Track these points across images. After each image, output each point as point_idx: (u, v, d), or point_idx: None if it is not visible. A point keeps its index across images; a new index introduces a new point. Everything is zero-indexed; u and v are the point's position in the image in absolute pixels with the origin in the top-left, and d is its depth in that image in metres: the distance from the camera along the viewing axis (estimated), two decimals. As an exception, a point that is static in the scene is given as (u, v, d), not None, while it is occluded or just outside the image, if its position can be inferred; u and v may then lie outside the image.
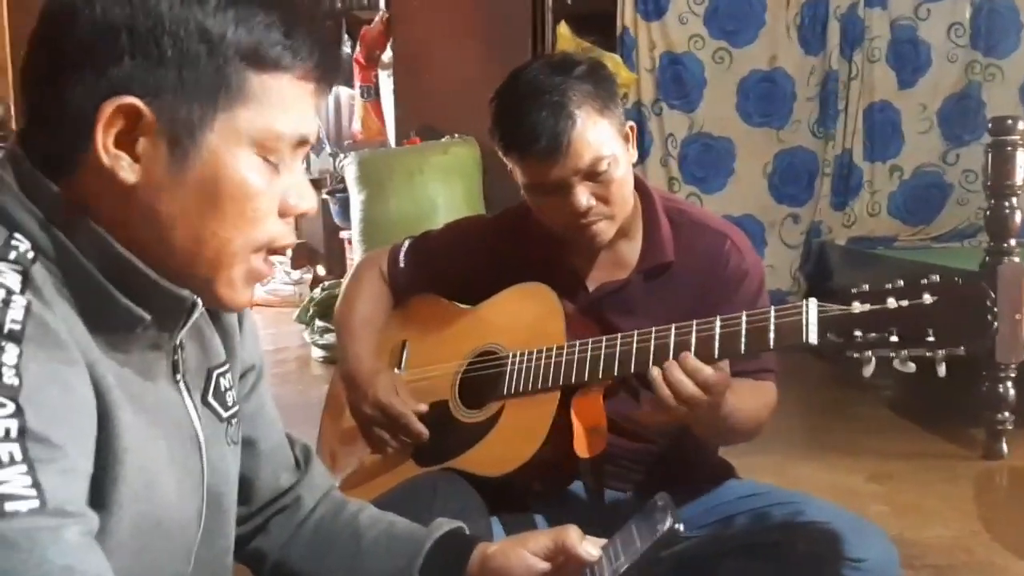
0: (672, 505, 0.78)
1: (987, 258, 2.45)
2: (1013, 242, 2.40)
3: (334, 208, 5.00)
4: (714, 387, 1.20)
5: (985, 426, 2.46)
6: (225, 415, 0.86)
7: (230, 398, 0.87)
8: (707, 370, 1.20)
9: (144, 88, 0.70)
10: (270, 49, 0.73)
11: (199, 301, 0.77)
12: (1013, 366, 2.41)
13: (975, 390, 2.47)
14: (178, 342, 0.79)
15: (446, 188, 3.57)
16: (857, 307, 1.14)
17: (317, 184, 6.72)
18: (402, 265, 1.62)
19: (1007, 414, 2.41)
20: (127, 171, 0.71)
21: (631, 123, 1.46)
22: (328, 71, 0.77)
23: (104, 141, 0.70)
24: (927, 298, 1.11)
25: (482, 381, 1.47)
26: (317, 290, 4.53)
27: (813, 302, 1.17)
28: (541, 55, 1.49)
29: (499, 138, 1.41)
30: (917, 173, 4.42)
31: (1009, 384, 2.41)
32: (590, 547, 0.84)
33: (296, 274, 6.12)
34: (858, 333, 1.13)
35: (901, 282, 1.13)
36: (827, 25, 4.36)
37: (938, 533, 1.91)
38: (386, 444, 1.49)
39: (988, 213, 2.44)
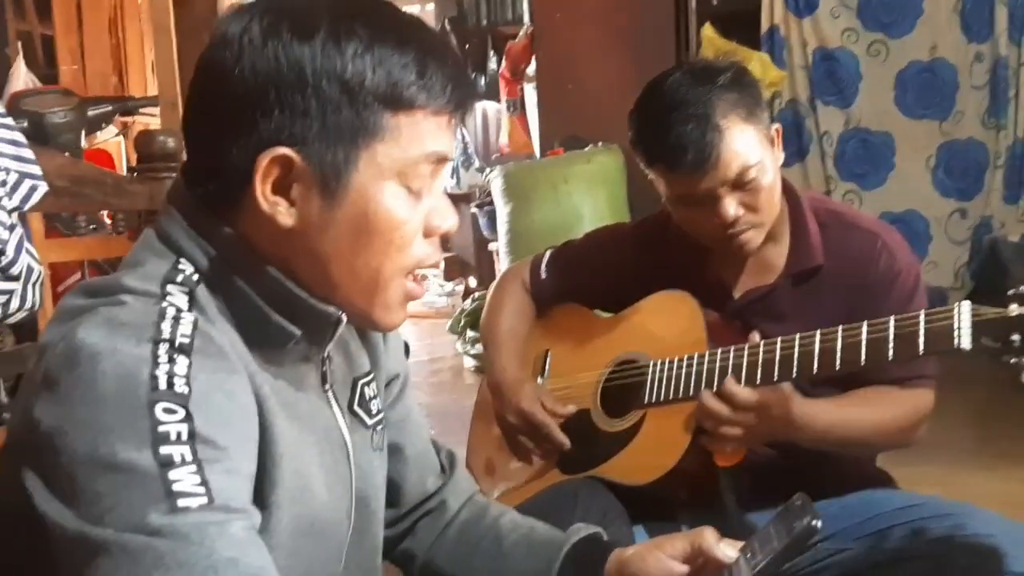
0: (810, 503, 0.78)
1: None
2: None
3: (482, 221, 5.11)
4: (756, 406, 1.25)
5: None
6: (370, 422, 0.91)
7: (375, 406, 0.92)
8: (743, 393, 1.25)
9: (293, 138, 0.75)
10: (405, 90, 0.76)
11: (343, 316, 0.82)
12: None
13: None
14: (326, 354, 0.85)
15: (590, 197, 3.59)
16: (1015, 309, 1.09)
17: (467, 198, 6.91)
18: (544, 276, 1.65)
19: None
20: (285, 215, 0.76)
21: (776, 125, 1.44)
22: (461, 103, 0.81)
23: (263, 190, 0.75)
24: (1093, 299, 1.04)
25: (624, 390, 1.48)
26: (468, 301, 4.65)
27: (967, 305, 1.12)
28: (682, 63, 1.47)
29: (642, 152, 1.41)
30: (1098, 162, 4.09)
31: None
32: (727, 548, 0.85)
33: (449, 286, 6.29)
34: (1016, 337, 1.08)
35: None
36: (994, 9, 4.10)
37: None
38: (530, 452, 1.52)
39: None
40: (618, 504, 1.32)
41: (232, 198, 0.77)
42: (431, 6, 7.70)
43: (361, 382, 0.91)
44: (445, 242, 0.88)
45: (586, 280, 1.61)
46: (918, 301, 1.39)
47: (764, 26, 4.26)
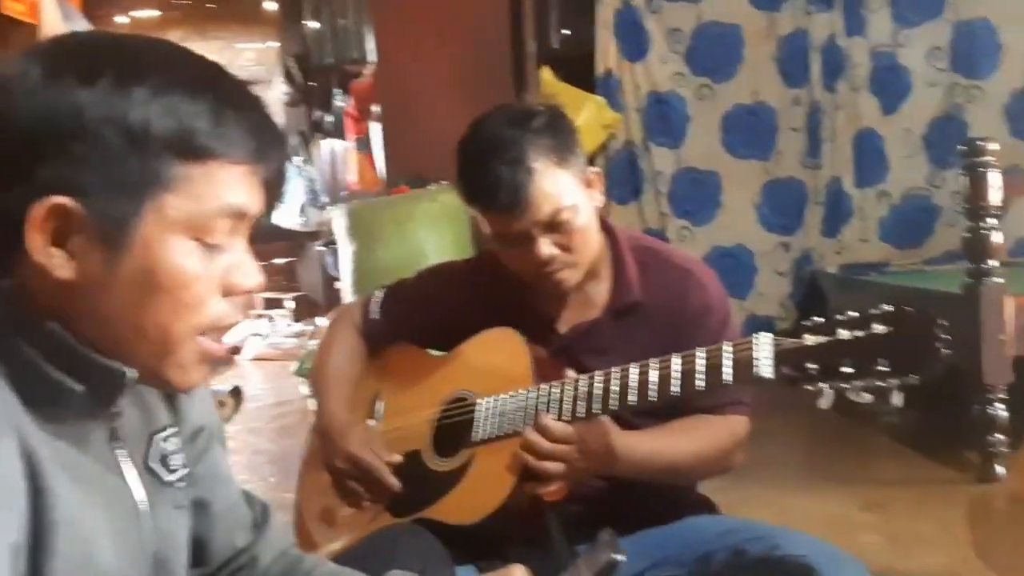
0: (616, 539, 0.80)
1: (968, 280, 2.45)
2: (993, 263, 2.41)
3: (329, 260, 5.04)
4: (571, 438, 1.28)
5: (979, 449, 2.44)
6: (170, 479, 0.86)
7: (175, 462, 0.87)
8: (558, 427, 1.28)
9: (72, 187, 0.70)
10: (198, 138, 0.73)
11: (131, 372, 0.77)
12: (1002, 388, 2.40)
13: (968, 413, 2.46)
14: (117, 409, 0.81)
15: (435, 235, 3.60)
16: (809, 339, 1.15)
17: (314, 236, 6.80)
18: (375, 316, 1.64)
19: (1000, 436, 2.40)
20: (63, 268, 0.72)
21: (596, 169, 1.49)
22: (263, 155, 0.77)
23: (37, 241, 0.71)
24: (878, 328, 1.12)
25: (454, 429, 1.48)
26: (314, 342, 4.55)
27: (766, 336, 1.18)
28: (501, 105, 1.51)
29: (462, 191, 1.44)
30: (906, 197, 4.43)
31: (999, 406, 2.40)
32: None
33: (297, 327, 6.15)
34: (811, 365, 1.14)
35: (853, 313, 1.14)
36: (808, 57, 4.40)
37: (930, 561, 1.89)
38: (361, 497, 1.49)
39: (967, 234, 2.45)
40: (439, 547, 1.31)
41: (8, 248, 0.72)
42: (274, 43, 7.58)
43: (158, 437, 0.86)
44: (250, 301, 0.85)
45: (418, 319, 1.61)
46: (729, 333, 1.45)
47: (599, 69, 4.40)
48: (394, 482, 1.46)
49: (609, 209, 4.39)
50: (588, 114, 4.24)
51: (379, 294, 1.67)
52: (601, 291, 1.50)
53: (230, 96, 0.76)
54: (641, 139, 4.42)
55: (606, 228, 1.52)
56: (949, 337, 1.08)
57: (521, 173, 1.34)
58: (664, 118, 4.42)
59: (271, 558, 1.00)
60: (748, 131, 4.44)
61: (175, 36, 6.05)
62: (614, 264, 1.50)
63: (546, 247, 1.37)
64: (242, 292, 0.79)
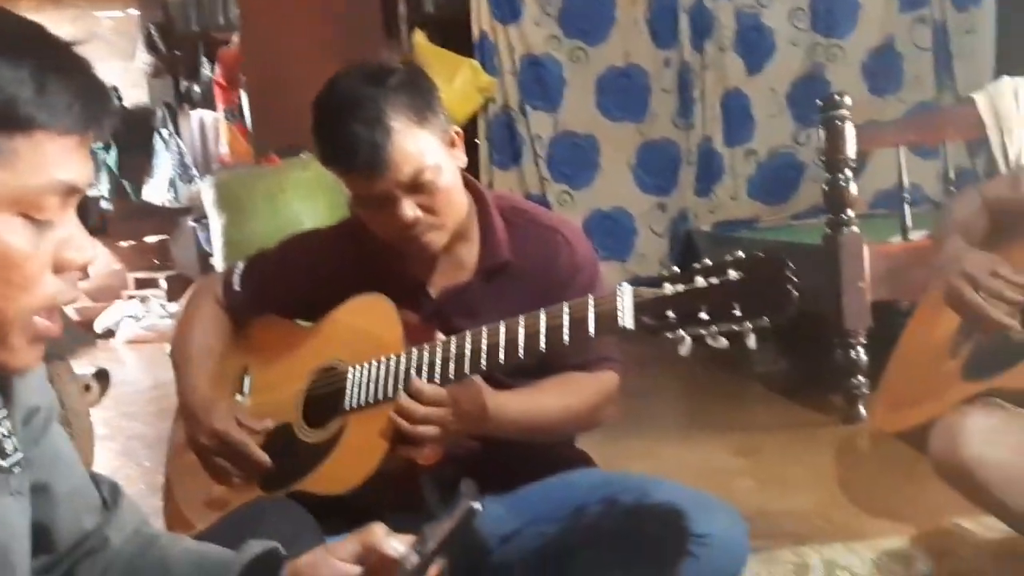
0: (473, 488, 0.79)
1: (828, 231, 2.54)
2: (852, 213, 2.51)
3: (202, 236, 4.86)
4: (444, 400, 1.27)
5: (842, 392, 2.56)
6: (2, 464, 0.81)
7: (7, 446, 0.82)
8: (430, 389, 1.27)
9: None
10: (20, 108, 0.69)
11: None
12: (862, 332, 2.52)
13: (832, 359, 2.57)
14: None
15: (310, 205, 3.51)
16: (668, 289, 1.16)
17: (186, 211, 6.55)
18: (238, 288, 1.58)
19: (861, 379, 2.51)
20: None
21: (456, 127, 1.46)
22: (93, 123, 0.73)
23: None
24: (732, 274, 1.14)
25: (325, 399, 1.45)
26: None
27: (627, 288, 1.19)
28: (357, 63, 1.47)
29: (319, 152, 1.40)
30: (772, 155, 4.58)
31: (861, 350, 2.52)
32: (396, 543, 0.84)
33: (172, 307, 5.93)
34: (670, 314, 1.15)
35: (708, 261, 1.16)
36: (677, 18, 4.47)
37: (799, 502, 1.98)
38: (229, 474, 1.45)
39: (826, 187, 2.54)
40: (308, 519, 1.29)
41: None
42: (134, 11, 7.21)
43: None
44: (85, 275, 0.80)
45: (283, 289, 1.56)
46: (599, 290, 1.47)
47: (475, 33, 4.37)
48: (263, 457, 1.42)
49: (491, 175, 4.39)
50: (463, 78, 4.21)
51: (241, 265, 1.61)
52: (470, 253, 1.49)
53: (55, 62, 0.71)
54: (518, 103, 4.41)
55: (472, 189, 1.51)
56: (797, 280, 1.10)
57: (379, 132, 1.30)
58: (540, 81, 4.43)
59: (123, 539, 0.95)
60: (622, 93, 4.49)
61: (27, 5, 5.67)
62: (482, 225, 1.49)
63: (409, 209, 1.34)
64: (75, 268, 0.76)
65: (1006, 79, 2.55)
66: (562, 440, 1.58)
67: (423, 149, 1.34)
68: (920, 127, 2.65)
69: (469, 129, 4.38)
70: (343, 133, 1.31)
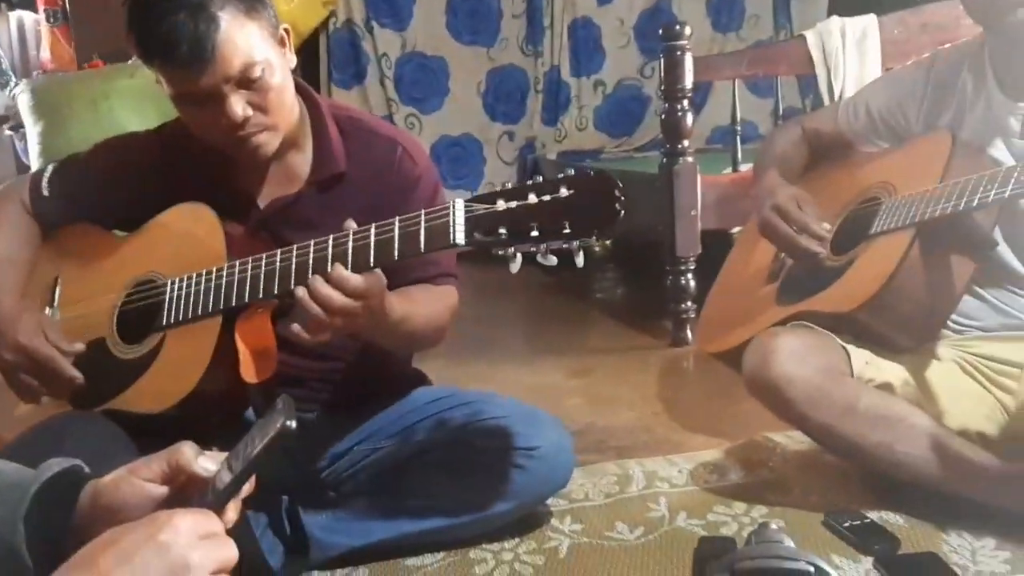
0: (291, 405, 0.76)
1: (664, 160, 2.61)
2: (687, 143, 2.57)
3: (20, 146, 4.48)
4: (366, 293, 1.18)
5: (671, 317, 2.66)
6: None
7: None
8: (354, 279, 1.17)
9: None
10: None
11: None
12: (692, 259, 2.61)
13: (664, 285, 2.66)
14: None
15: (137, 114, 3.27)
16: (502, 205, 1.15)
17: (3, 120, 6.01)
18: (46, 193, 1.47)
19: (690, 304, 2.62)
20: None
21: (285, 25, 1.38)
22: None
23: None
24: (564, 192, 1.13)
25: (141, 313, 1.37)
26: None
27: (460, 203, 1.17)
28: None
29: (136, 46, 1.29)
30: (619, 87, 4.65)
31: (690, 276, 2.62)
32: (206, 461, 0.80)
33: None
34: (502, 231, 1.14)
35: (540, 178, 1.15)
36: (526, -56, 4.42)
37: (625, 417, 2.05)
38: (37, 392, 1.35)
39: (663, 117, 2.60)
40: (120, 434, 1.23)
41: None
42: None
43: None
44: None
45: (96, 195, 1.46)
46: (438, 204, 1.44)
47: (319, -58, 4.16)
48: (74, 373, 1.33)
49: (332, 95, 4.23)
50: (306, -12, 4.03)
51: (50, 168, 1.50)
52: (302, 162, 1.43)
53: None
54: (363, 19, 4.26)
55: (305, 94, 1.44)
56: (624, 197, 1.11)
57: (204, 21, 1.22)
58: (387, -4, 4.30)
59: None
60: (472, 15, 4.42)
61: None
62: (316, 134, 1.43)
63: (239, 106, 1.27)
64: None
65: (835, 19, 2.66)
66: (403, 357, 1.57)
67: (252, 43, 1.26)
68: (754, 61, 2.73)
69: (311, 45, 4.21)
70: (164, 23, 1.21)
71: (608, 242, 4.40)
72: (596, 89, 4.63)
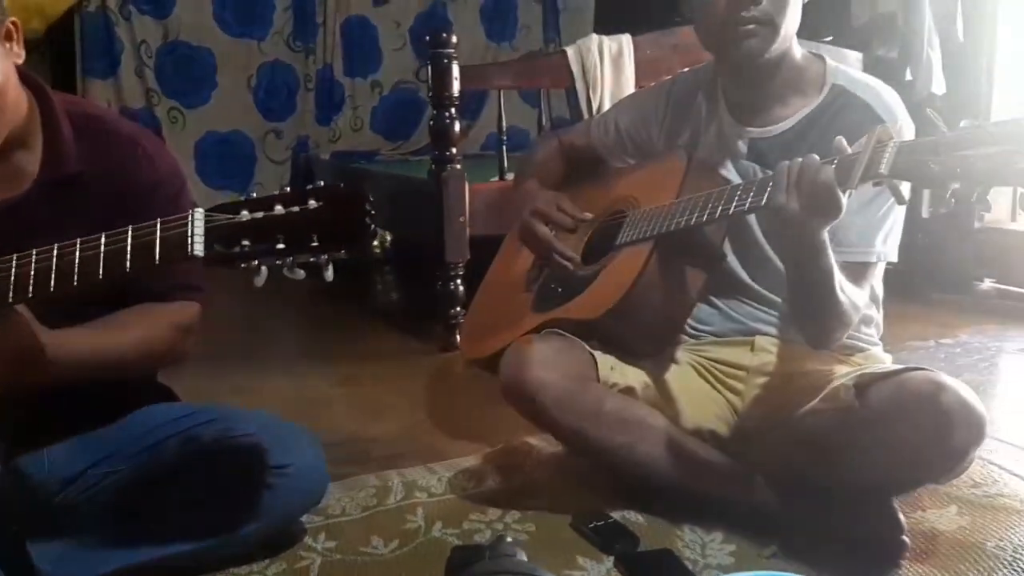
0: None
1: (433, 166, 2.63)
2: (455, 150, 2.61)
3: None
4: None
5: (442, 322, 2.68)
6: None
7: None
8: None
9: None
10: None
11: None
12: (461, 265, 2.65)
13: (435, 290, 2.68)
14: None
15: None
16: (245, 215, 1.11)
17: None
18: None
19: (459, 309, 2.65)
20: None
21: (13, 18, 1.27)
22: None
23: None
24: (312, 204, 1.11)
25: None
26: None
27: (200, 212, 1.11)
28: None
29: None
30: (395, 89, 4.64)
31: (459, 281, 2.65)
32: None
33: None
34: (246, 242, 1.10)
35: (288, 189, 1.12)
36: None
37: (389, 427, 2.04)
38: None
39: (431, 123, 2.61)
40: None
41: None
42: None
43: None
44: None
45: None
46: (183, 207, 1.37)
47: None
48: None
49: (84, 85, 3.93)
50: (56, -29, 3.72)
51: None
52: (30, 162, 1.32)
53: None
54: (118, 4, 4.00)
55: (35, 88, 1.33)
56: (374, 211, 1.11)
57: None
58: (146, -20, 4.06)
59: None
60: (241, 7, 4.26)
61: None
62: (46, 132, 1.32)
63: None
64: None
65: (594, 36, 2.78)
66: (139, 376, 1.48)
67: None
68: (519, 73, 2.81)
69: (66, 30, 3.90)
70: None
71: (388, 243, 4.39)
72: (373, 90, 4.60)
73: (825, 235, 1.27)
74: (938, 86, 3.12)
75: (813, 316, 1.39)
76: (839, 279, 1.33)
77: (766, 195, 1.29)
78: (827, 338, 1.41)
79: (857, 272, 1.40)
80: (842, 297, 1.34)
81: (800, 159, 1.24)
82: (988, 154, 1.05)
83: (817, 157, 1.24)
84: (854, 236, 1.41)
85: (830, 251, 1.30)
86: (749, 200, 1.33)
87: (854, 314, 1.39)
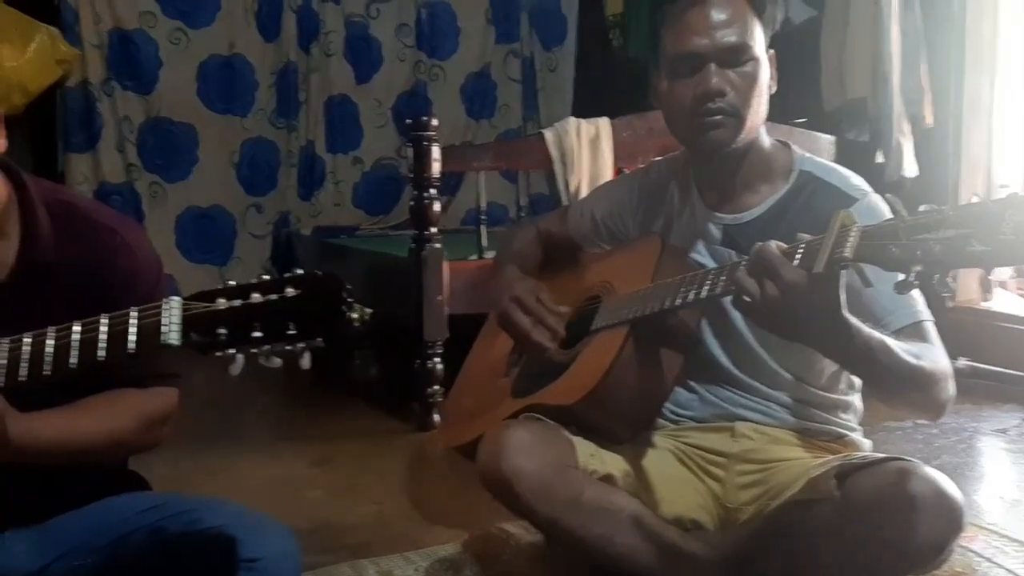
0: None
1: (413, 245, 2.64)
2: (434, 229, 2.62)
3: None
4: None
5: (419, 400, 2.66)
6: None
7: None
8: None
9: None
10: None
11: None
12: (440, 343, 2.64)
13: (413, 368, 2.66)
14: None
15: None
16: (222, 303, 1.11)
17: None
18: None
19: (437, 387, 2.63)
20: None
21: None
22: None
23: None
24: (289, 291, 1.11)
25: None
26: None
27: (176, 301, 1.11)
28: None
29: None
30: (376, 166, 4.68)
31: (438, 360, 2.64)
32: None
33: None
34: (222, 331, 1.10)
35: (266, 277, 1.13)
36: (282, 15, 4.39)
37: (364, 512, 2.00)
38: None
39: (412, 203, 2.63)
40: None
41: None
42: None
43: None
44: None
45: None
46: (159, 297, 1.36)
47: (58, -1, 3.92)
48: None
49: (67, 159, 3.95)
50: (39, 46, 3.76)
51: None
52: (6, 251, 1.31)
53: None
54: (101, 80, 4.03)
55: (13, 176, 1.32)
56: (352, 300, 1.11)
57: None
58: (131, 60, 4.10)
59: None
60: (226, 84, 4.31)
61: None
62: (24, 220, 1.31)
63: None
64: None
65: (571, 119, 2.84)
66: (114, 461, 1.45)
67: None
68: (498, 155, 2.86)
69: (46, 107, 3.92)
70: None
71: (367, 318, 4.35)
72: (355, 165, 4.65)
73: (848, 317, 1.22)
74: (910, 169, 3.19)
75: (892, 392, 1.35)
76: (896, 346, 1.28)
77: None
78: (931, 405, 1.35)
79: (912, 334, 1.36)
80: (912, 362, 1.29)
81: (759, 243, 1.21)
82: (946, 237, 1.06)
83: (776, 243, 1.21)
84: (887, 303, 1.37)
85: (863, 328, 1.24)
86: (720, 284, 1.33)
87: (937, 370, 1.33)
